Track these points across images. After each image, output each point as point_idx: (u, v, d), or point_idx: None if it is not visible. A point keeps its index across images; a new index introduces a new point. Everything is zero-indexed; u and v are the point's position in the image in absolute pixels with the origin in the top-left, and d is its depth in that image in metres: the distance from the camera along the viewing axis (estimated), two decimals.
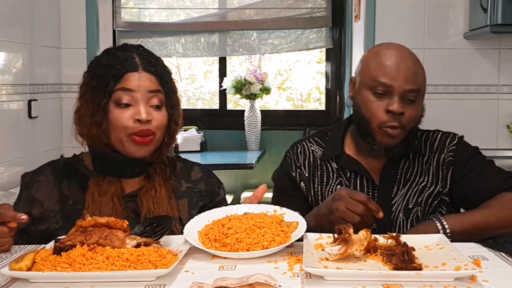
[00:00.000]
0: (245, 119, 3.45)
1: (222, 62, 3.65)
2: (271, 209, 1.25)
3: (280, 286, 0.92)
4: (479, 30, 2.66)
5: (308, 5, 3.45)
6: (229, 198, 3.25)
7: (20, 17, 2.57)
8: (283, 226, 1.17)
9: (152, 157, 1.37)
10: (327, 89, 3.61)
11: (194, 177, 1.45)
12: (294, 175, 1.55)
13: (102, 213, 1.28)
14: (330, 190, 1.50)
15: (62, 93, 3.01)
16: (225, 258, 1.10)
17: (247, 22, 3.47)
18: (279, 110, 3.82)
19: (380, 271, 0.99)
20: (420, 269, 0.98)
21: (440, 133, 1.55)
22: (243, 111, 3.49)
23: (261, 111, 3.51)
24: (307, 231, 1.17)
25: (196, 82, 4.02)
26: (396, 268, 1.00)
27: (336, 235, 1.10)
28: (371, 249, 1.08)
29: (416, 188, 1.48)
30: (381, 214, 1.24)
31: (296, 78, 4.06)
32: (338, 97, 3.52)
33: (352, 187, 1.48)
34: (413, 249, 1.05)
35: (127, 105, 1.29)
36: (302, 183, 1.53)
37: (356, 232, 1.08)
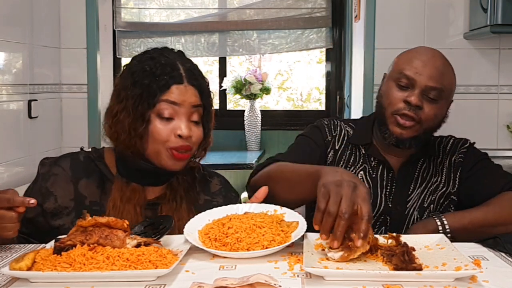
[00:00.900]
0: (245, 119, 3.45)
1: (222, 62, 3.65)
2: (271, 209, 1.25)
3: (280, 286, 0.92)
4: (479, 30, 2.66)
5: (308, 5, 3.45)
6: None
7: (20, 17, 2.57)
8: (283, 226, 1.17)
9: None
10: (327, 89, 3.61)
11: (213, 189, 1.45)
12: (329, 139, 1.57)
13: None
14: (353, 172, 1.52)
15: (62, 93, 3.01)
16: (225, 257, 1.10)
17: (247, 22, 3.46)
18: (279, 110, 3.82)
19: (380, 271, 0.99)
20: (420, 269, 0.98)
21: (453, 138, 1.60)
22: (243, 111, 3.49)
23: (261, 111, 3.50)
24: None
25: None
26: (396, 268, 1.00)
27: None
28: (372, 248, 1.08)
29: (431, 188, 1.52)
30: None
31: (296, 78, 4.06)
32: (338, 97, 3.52)
33: (374, 176, 1.52)
34: (413, 249, 1.05)
35: (169, 119, 1.28)
36: (332, 151, 1.56)
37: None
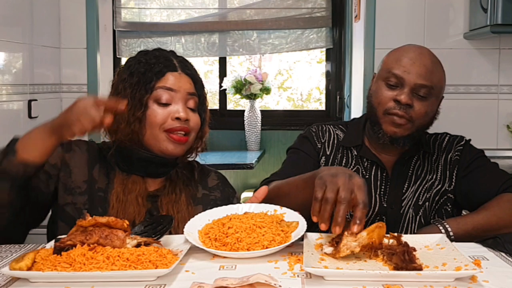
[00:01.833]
0: (245, 119, 3.44)
1: (222, 62, 3.65)
2: (272, 209, 1.25)
3: (280, 286, 0.92)
4: (479, 30, 2.66)
5: (308, 5, 3.44)
6: None
7: (20, 17, 2.57)
8: (283, 226, 1.17)
9: (177, 159, 1.38)
10: (327, 89, 3.61)
11: (211, 184, 1.47)
12: (319, 146, 1.57)
13: (127, 213, 1.30)
14: None
15: (62, 93, 3.01)
16: (225, 257, 1.10)
17: (247, 22, 3.46)
18: (279, 110, 3.82)
19: (380, 271, 0.98)
20: (421, 269, 0.98)
21: (449, 135, 1.60)
22: (243, 111, 3.49)
23: (261, 111, 3.50)
24: None
25: None
26: (397, 268, 1.00)
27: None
28: (376, 248, 1.08)
29: (426, 185, 1.51)
30: None
31: (297, 78, 4.06)
32: (338, 97, 3.52)
33: (367, 177, 1.52)
34: (414, 249, 1.05)
35: (166, 104, 1.32)
36: (323, 157, 1.56)
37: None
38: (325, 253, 1.09)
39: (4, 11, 2.44)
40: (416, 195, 1.50)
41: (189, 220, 1.22)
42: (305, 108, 4.02)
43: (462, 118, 2.85)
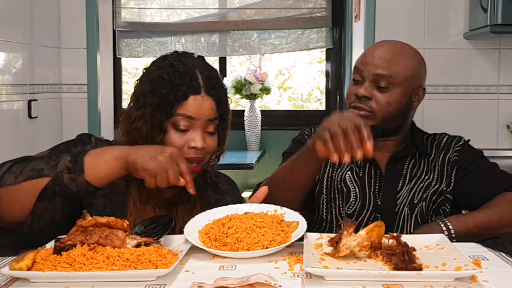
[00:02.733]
0: (245, 119, 3.45)
1: (222, 62, 3.65)
2: (272, 209, 1.25)
3: (280, 286, 0.92)
4: (479, 30, 2.66)
5: (308, 5, 3.45)
6: None
7: (20, 17, 2.57)
8: (283, 226, 1.17)
9: None
10: (327, 89, 3.61)
11: (222, 188, 1.48)
12: None
13: None
14: (340, 174, 1.53)
15: (62, 93, 3.01)
16: (225, 257, 1.10)
17: (247, 22, 3.46)
18: (279, 110, 3.82)
19: (380, 271, 0.99)
20: (421, 269, 0.98)
21: (447, 135, 1.59)
22: (243, 111, 3.49)
23: (261, 111, 3.51)
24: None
25: None
26: (396, 268, 1.00)
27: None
28: (375, 248, 1.08)
29: (422, 185, 1.51)
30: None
31: (297, 78, 4.06)
32: (338, 97, 3.52)
33: (361, 175, 1.52)
34: (414, 249, 1.05)
35: (184, 130, 1.29)
36: None
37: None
38: (325, 252, 1.09)
39: (4, 11, 2.44)
40: (411, 194, 1.49)
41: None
42: (305, 108, 4.02)
43: (462, 118, 2.85)
